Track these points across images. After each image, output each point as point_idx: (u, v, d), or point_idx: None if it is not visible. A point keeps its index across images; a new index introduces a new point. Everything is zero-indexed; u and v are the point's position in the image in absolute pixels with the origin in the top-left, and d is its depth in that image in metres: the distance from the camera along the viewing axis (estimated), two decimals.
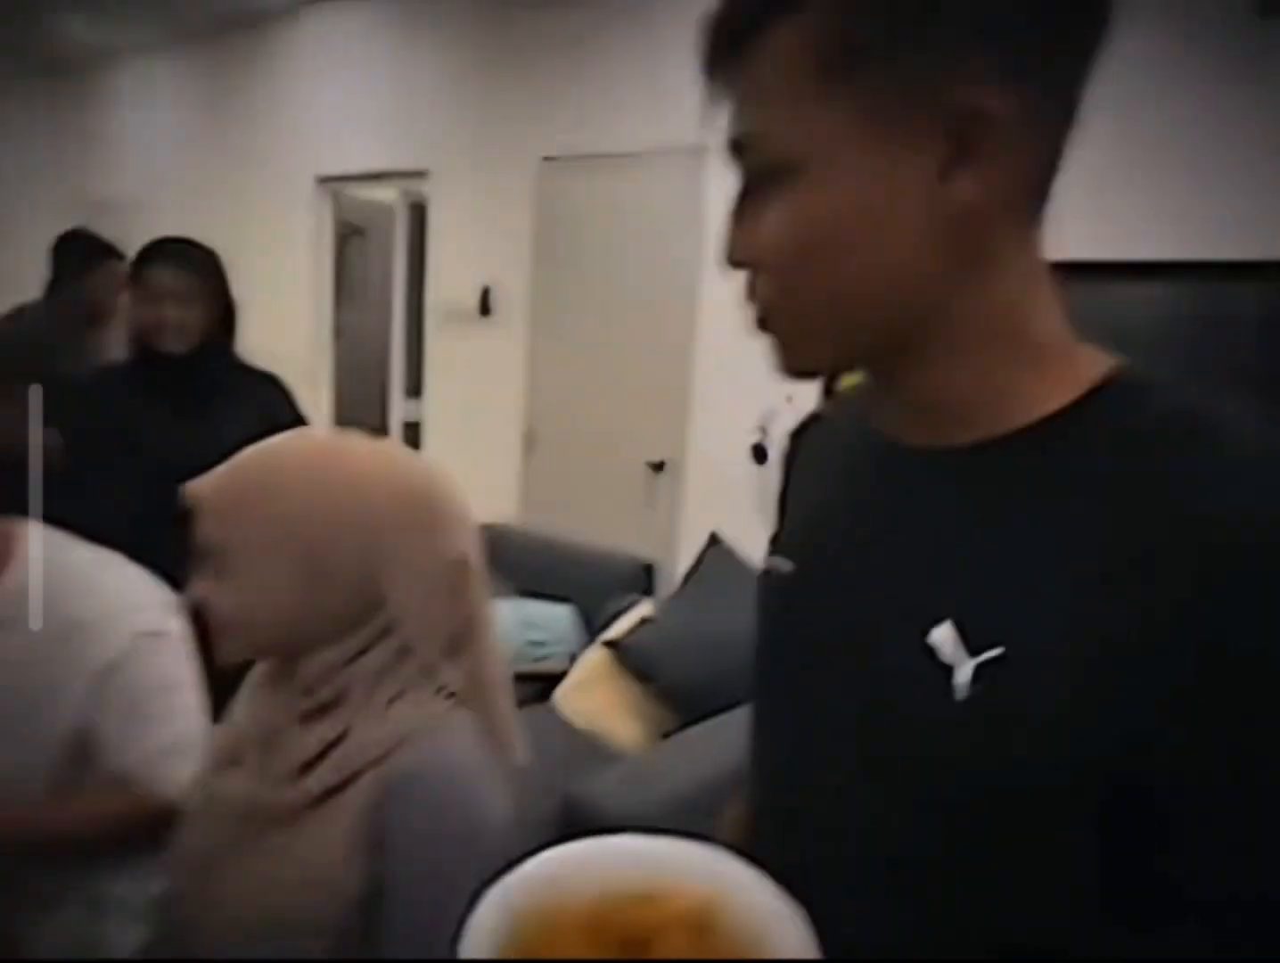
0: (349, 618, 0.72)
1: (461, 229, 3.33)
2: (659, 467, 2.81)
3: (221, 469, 0.73)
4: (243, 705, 0.83)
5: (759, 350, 0.46)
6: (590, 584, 2.50)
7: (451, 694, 0.73)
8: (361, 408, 3.98)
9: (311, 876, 0.68)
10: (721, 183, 0.53)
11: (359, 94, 3.67)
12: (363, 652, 0.73)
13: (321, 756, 0.72)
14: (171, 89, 4.58)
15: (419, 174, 3.44)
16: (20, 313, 2.43)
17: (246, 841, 0.73)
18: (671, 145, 2.58)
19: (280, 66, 4.00)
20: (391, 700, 0.72)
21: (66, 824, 0.95)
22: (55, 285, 2.45)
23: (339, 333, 4.04)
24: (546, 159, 3.00)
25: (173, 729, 0.96)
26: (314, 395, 3.98)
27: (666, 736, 1.88)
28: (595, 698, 2.03)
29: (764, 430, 2.50)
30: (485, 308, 3.20)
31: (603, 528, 2.79)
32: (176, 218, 4.47)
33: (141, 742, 0.95)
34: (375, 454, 0.75)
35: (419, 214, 3.58)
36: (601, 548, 2.64)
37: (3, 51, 4.70)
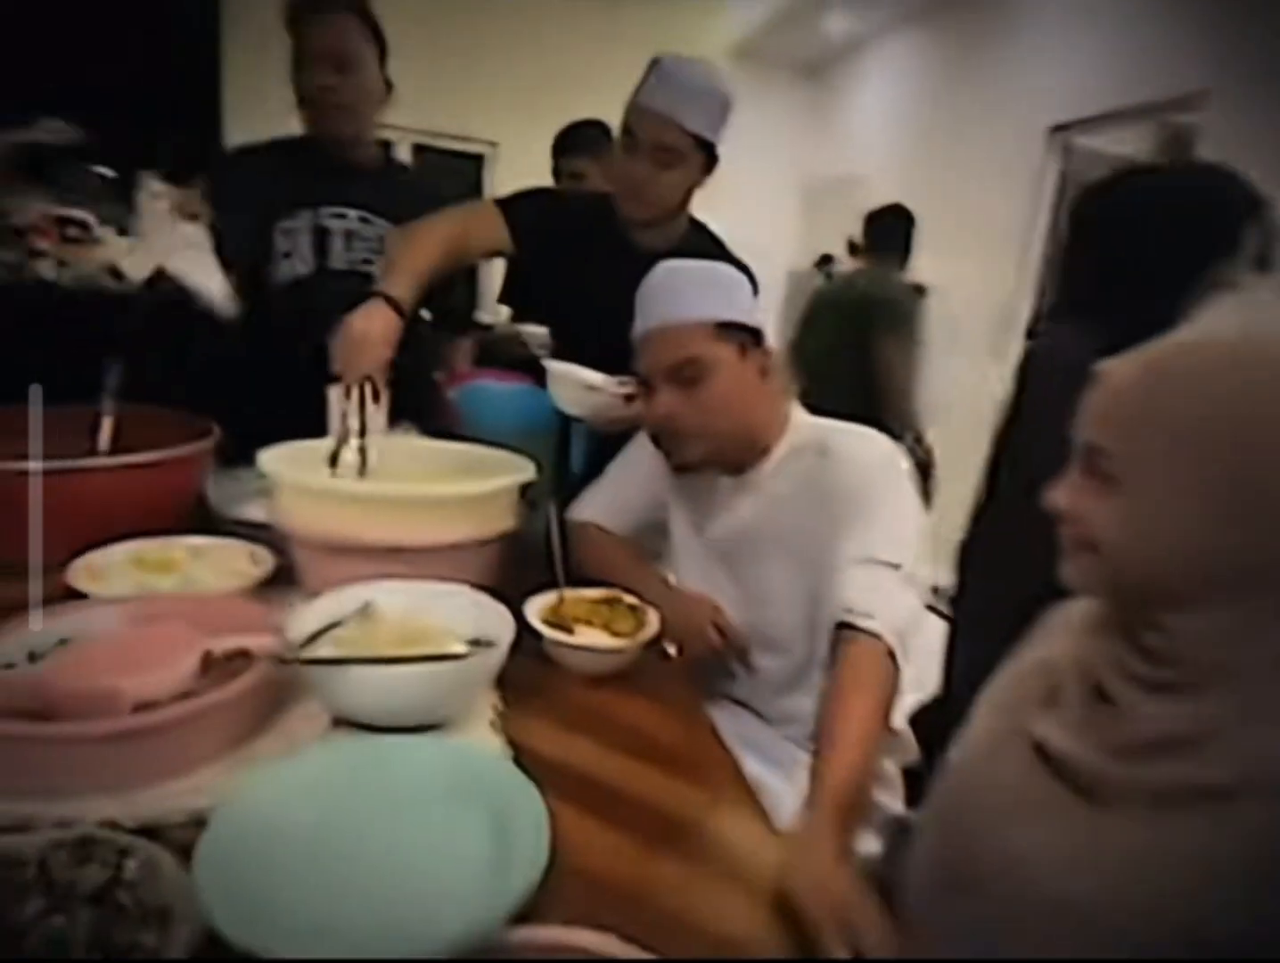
0: (1256, 577, 0.52)
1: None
2: None
3: (1129, 359, 0.59)
4: (1058, 638, 0.71)
5: None
6: None
7: None
8: None
9: (1147, 885, 0.52)
10: None
11: (1101, 26, 3.24)
12: (1262, 629, 0.52)
13: (1171, 746, 0.55)
14: (899, 67, 4.83)
15: (1185, 100, 2.87)
16: None
17: (1052, 804, 0.60)
18: None
19: (1009, 16, 3.81)
20: None
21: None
22: None
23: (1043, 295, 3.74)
24: None
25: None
26: (1003, 356, 3.82)
27: None
28: None
29: None
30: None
31: None
32: (902, 190, 4.77)
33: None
34: None
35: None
36: None
37: (772, 59, 5.59)
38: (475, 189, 5.11)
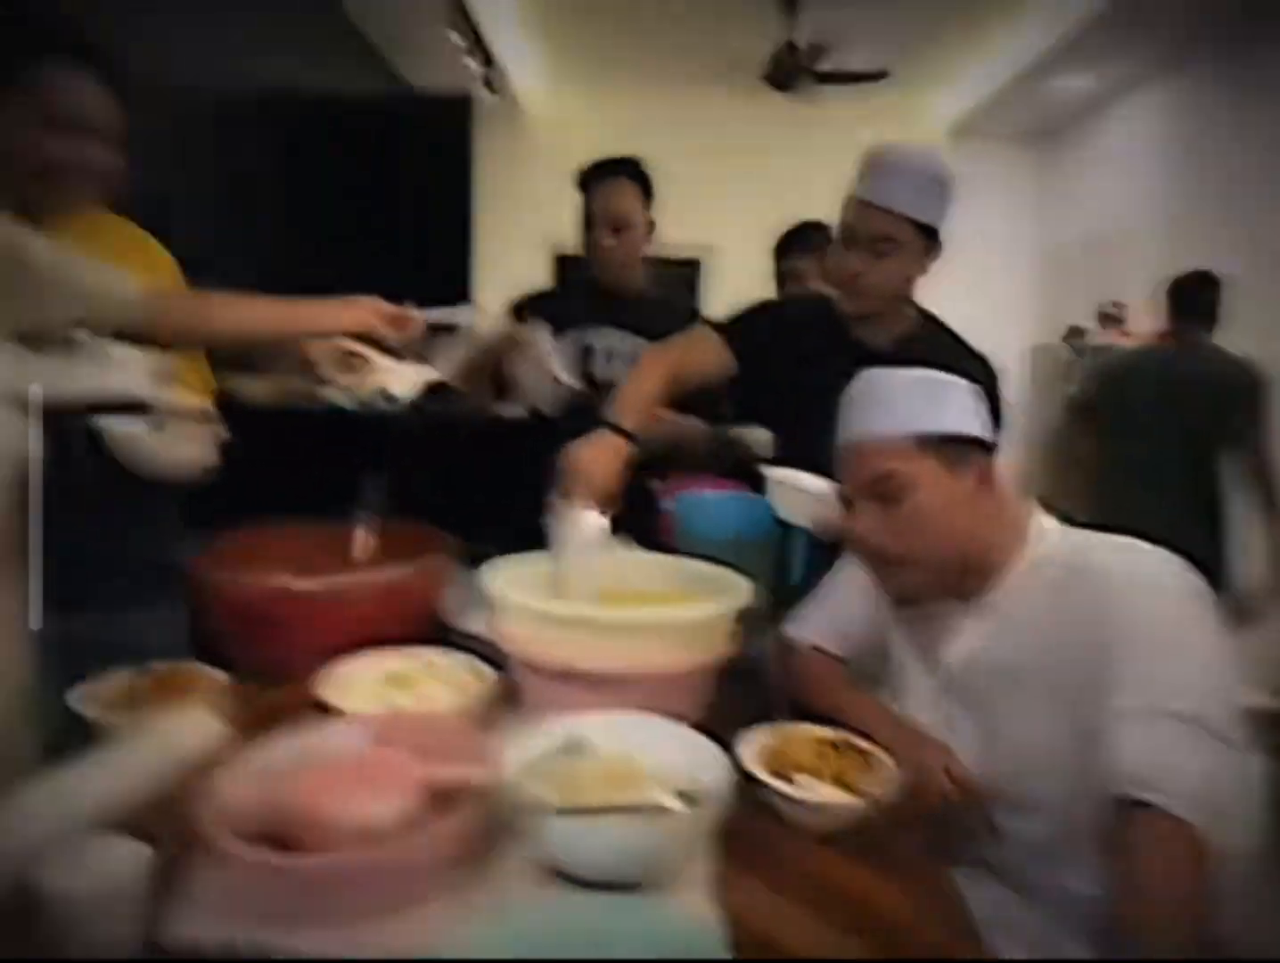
0: None
1: None
2: None
3: None
4: None
5: None
6: None
7: None
8: None
9: None
10: None
11: None
12: None
13: None
14: (1149, 121, 4.40)
15: None
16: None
17: None
18: None
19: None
20: None
21: None
22: None
23: None
24: None
25: None
26: None
27: None
28: None
29: None
30: None
31: None
32: (1161, 247, 4.28)
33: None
34: None
35: None
36: None
37: (996, 130, 5.34)
38: (692, 292, 5.32)
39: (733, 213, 5.02)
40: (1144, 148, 4.46)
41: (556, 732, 0.84)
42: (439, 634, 1.21)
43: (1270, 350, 3.46)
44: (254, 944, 0.63)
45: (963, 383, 0.96)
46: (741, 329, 1.42)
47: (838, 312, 1.34)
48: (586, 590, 1.09)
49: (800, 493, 1.22)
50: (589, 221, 1.76)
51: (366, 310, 1.14)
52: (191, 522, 1.44)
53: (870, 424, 0.94)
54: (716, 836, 0.77)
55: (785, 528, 1.32)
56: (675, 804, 0.71)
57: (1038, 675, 0.88)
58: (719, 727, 0.92)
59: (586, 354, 1.78)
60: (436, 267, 3.08)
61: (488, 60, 3.79)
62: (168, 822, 0.74)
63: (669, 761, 0.80)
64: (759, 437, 2.11)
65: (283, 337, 1.17)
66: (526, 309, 1.80)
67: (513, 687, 1.02)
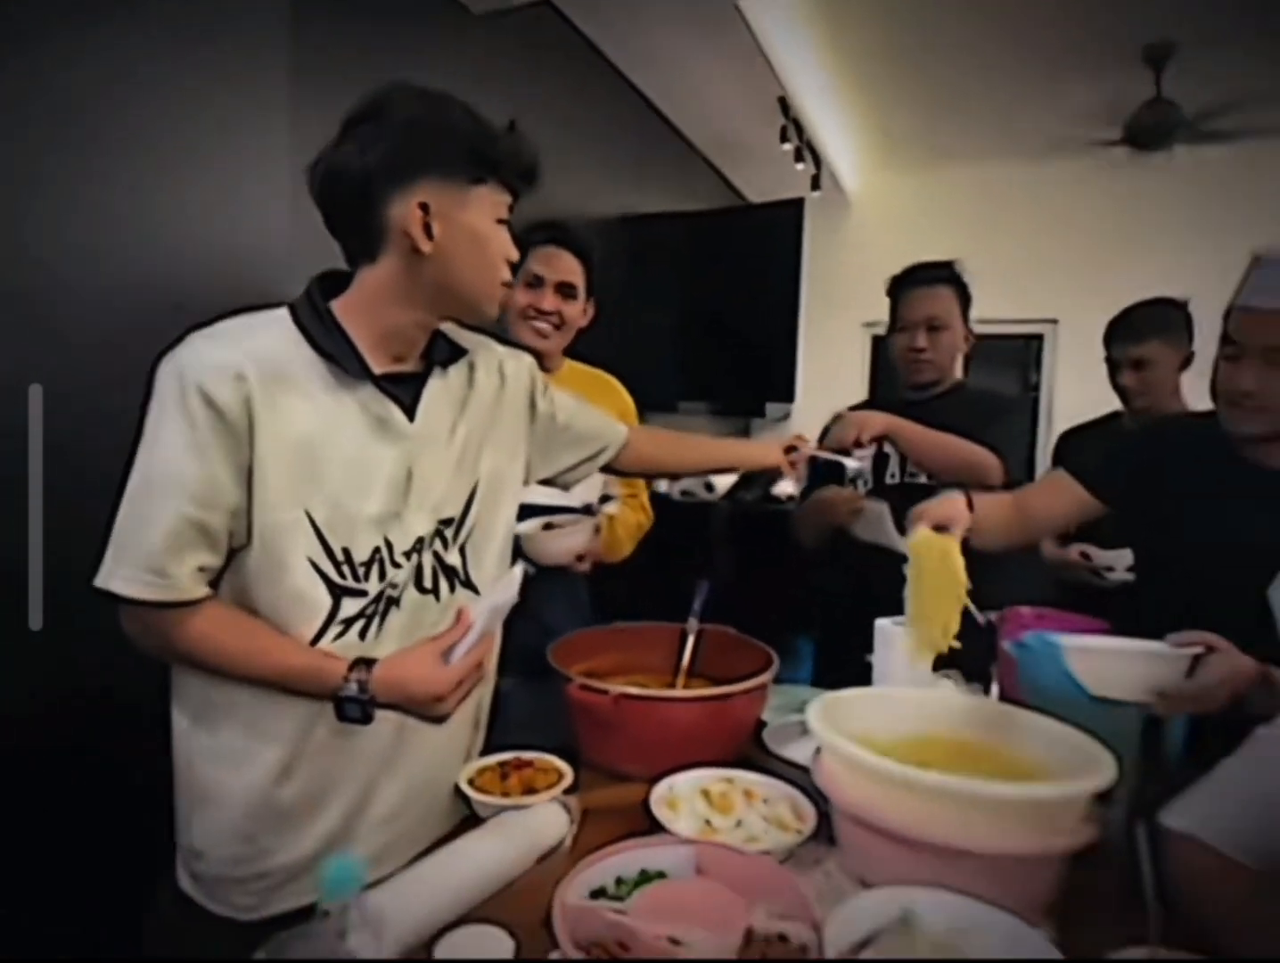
0: None
1: None
2: None
3: None
4: None
5: None
6: None
7: None
8: None
9: None
10: None
11: None
12: None
13: None
14: None
15: None
16: None
17: None
18: None
19: None
20: None
21: None
22: None
23: None
24: None
25: None
26: None
27: None
28: None
29: None
30: None
31: None
32: None
33: None
34: None
35: None
36: None
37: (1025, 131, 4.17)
38: (1035, 367, 4.90)
39: (1079, 289, 4.56)
40: None
41: (886, 902, 0.80)
42: (755, 756, 1.23)
43: None
44: None
45: None
46: (1108, 472, 1.35)
47: (1227, 431, 1.18)
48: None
49: (1121, 659, 1.04)
50: (896, 323, 1.79)
51: (778, 451, 1.41)
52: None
53: None
54: None
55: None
56: None
57: None
58: (1065, 924, 0.83)
59: (881, 460, 1.77)
60: (770, 357, 3.23)
61: (817, 161, 3.94)
62: (515, 911, 0.84)
63: (990, 951, 0.73)
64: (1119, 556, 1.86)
65: (721, 471, 1.50)
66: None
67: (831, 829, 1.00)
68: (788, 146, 3.59)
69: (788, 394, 3.17)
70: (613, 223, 3.16)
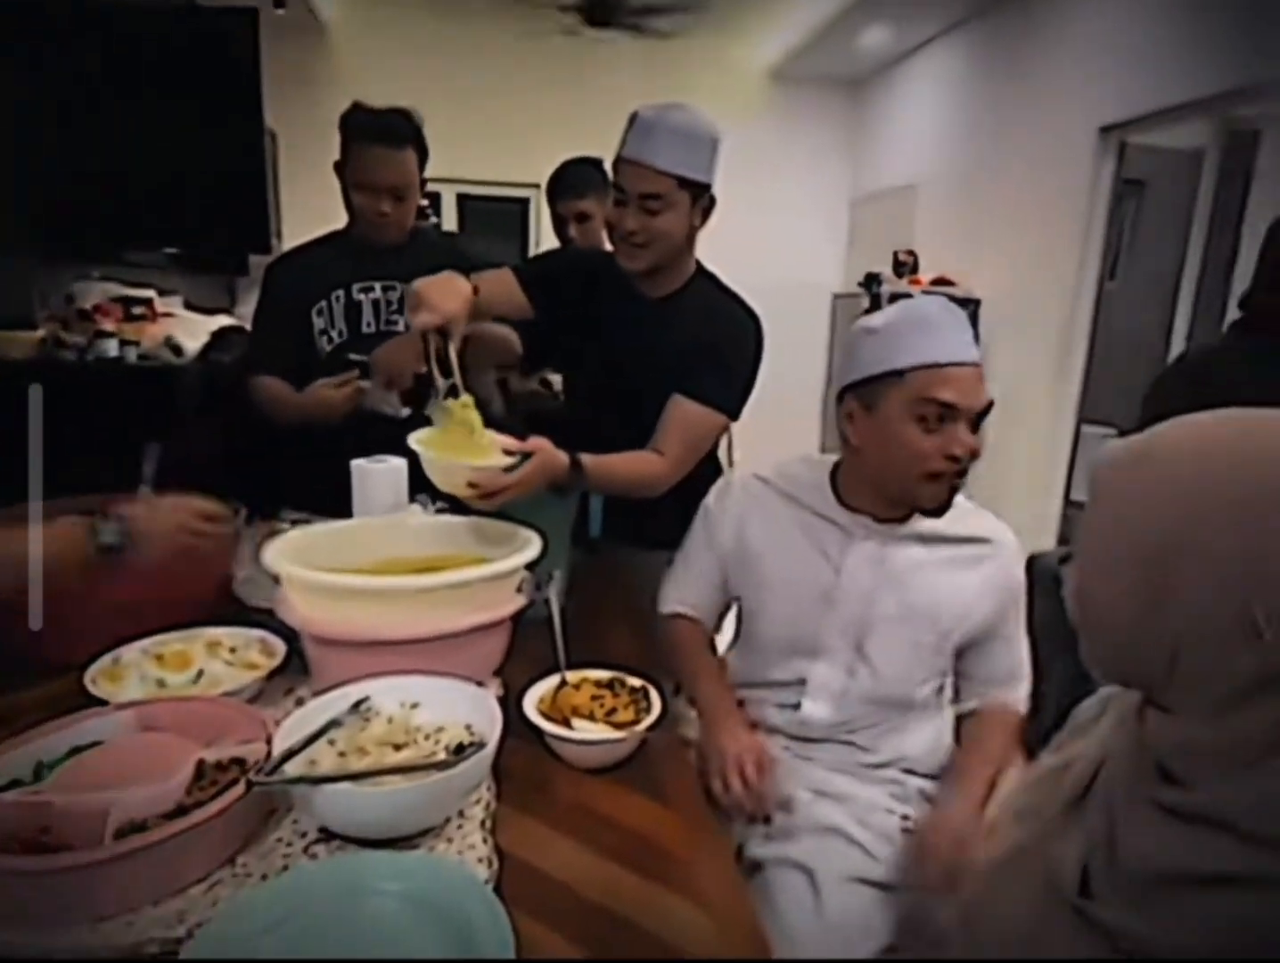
0: (1220, 691, 0.47)
1: None
2: None
3: (1117, 444, 0.55)
4: (1100, 727, 0.65)
5: None
6: None
7: None
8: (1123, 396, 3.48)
9: None
10: None
11: (1149, 22, 3.11)
12: (1260, 757, 0.46)
13: (1197, 882, 0.49)
14: (943, 76, 4.72)
15: (1247, 92, 2.70)
16: None
17: (1066, 937, 0.55)
18: None
19: (1054, 20, 3.68)
20: None
21: None
22: None
23: (1100, 302, 3.57)
24: None
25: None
26: (1062, 369, 3.65)
27: None
28: None
29: None
30: None
31: None
32: (941, 198, 4.64)
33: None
34: None
35: (1244, 151, 2.83)
36: None
37: (811, 78, 5.55)
38: (522, 233, 5.21)
39: (561, 150, 4.92)
40: (940, 101, 4.78)
41: (340, 699, 0.86)
42: (233, 612, 1.17)
43: (1010, 281, 3.91)
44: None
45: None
46: (538, 277, 1.46)
47: (619, 266, 1.38)
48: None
49: (455, 468, 1.14)
50: (359, 185, 1.61)
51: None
52: None
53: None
54: (500, 779, 0.83)
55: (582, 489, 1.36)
56: (445, 756, 0.76)
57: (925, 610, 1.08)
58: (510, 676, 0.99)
59: (357, 311, 1.69)
60: (237, 200, 2.81)
61: None
62: None
63: (450, 714, 0.84)
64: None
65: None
66: (279, 267, 1.72)
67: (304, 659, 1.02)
68: None
69: (264, 245, 2.85)
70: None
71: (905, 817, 1.04)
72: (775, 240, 5.47)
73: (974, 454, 1.01)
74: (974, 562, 1.08)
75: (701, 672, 1.17)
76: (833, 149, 5.78)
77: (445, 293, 1.20)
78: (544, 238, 5.11)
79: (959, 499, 1.08)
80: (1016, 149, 4.00)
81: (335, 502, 1.29)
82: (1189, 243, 3.14)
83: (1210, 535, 0.47)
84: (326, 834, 0.75)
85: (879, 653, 1.08)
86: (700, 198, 1.32)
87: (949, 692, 1.17)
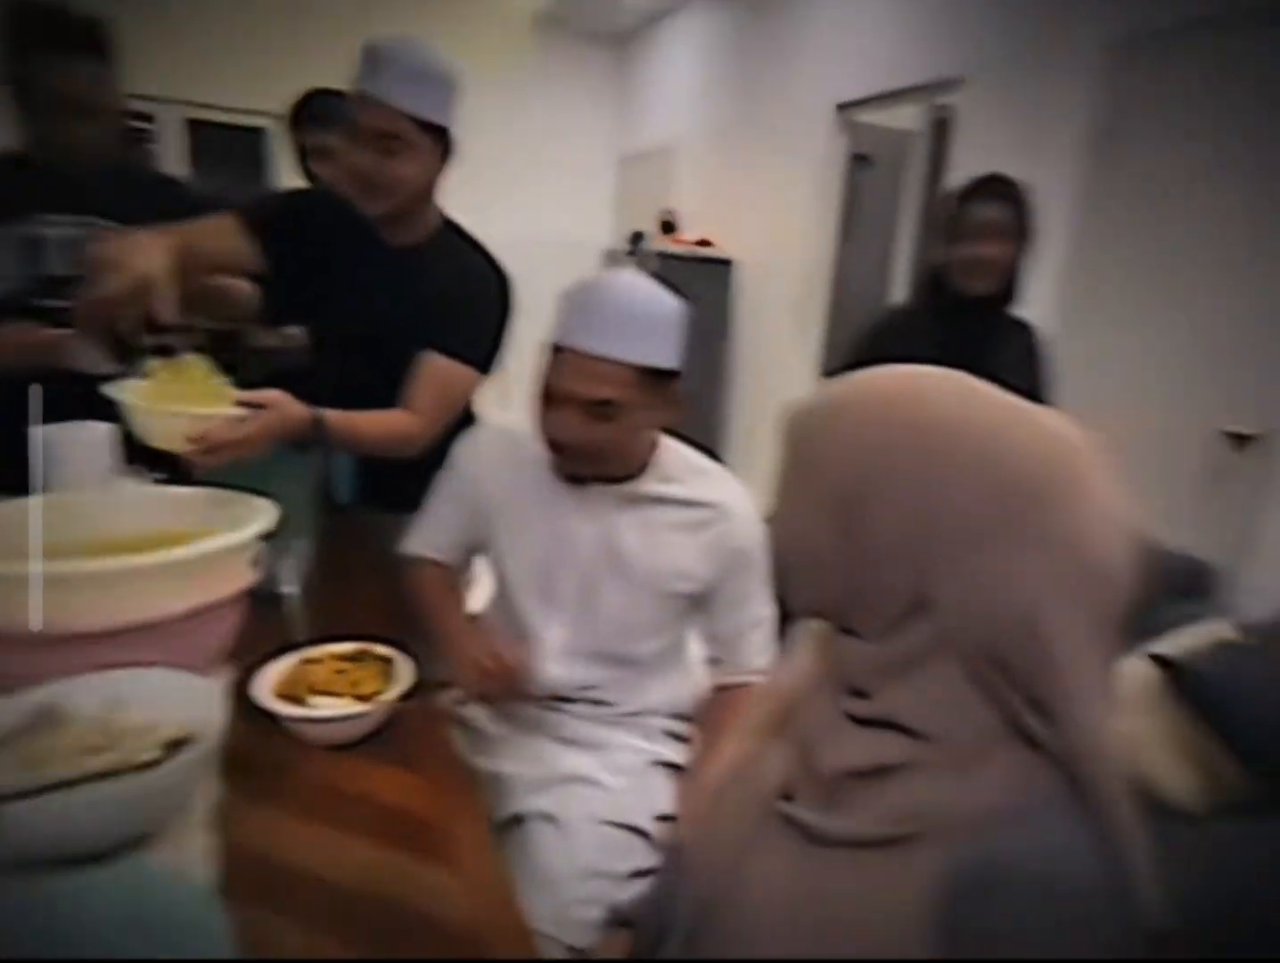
0: (890, 613, 0.54)
1: (992, 144, 2.89)
2: (1241, 440, 2.12)
3: (811, 395, 0.60)
4: (803, 655, 0.72)
5: None
6: None
7: (1048, 764, 0.52)
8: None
9: (858, 925, 0.54)
10: None
11: (877, 12, 3.43)
12: (918, 665, 0.54)
13: (874, 774, 0.56)
14: (702, 38, 4.88)
15: (949, 84, 3.07)
16: None
17: (780, 841, 0.61)
18: None
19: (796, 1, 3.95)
20: (974, 750, 0.53)
21: None
22: None
23: (840, 266, 3.94)
24: (1108, 46, 2.40)
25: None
26: (806, 328, 3.99)
27: (1239, 807, 1.38)
28: (1133, 724, 1.60)
29: None
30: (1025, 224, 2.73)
31: (1141, 506, 2.23)
32: (700, 160, 4.83)
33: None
34: (971, 400, 0.54)
35: (943, 135, 3.22)
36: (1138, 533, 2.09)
37: (578, 28, 5.49)
38: (257, 165, 4.69)
39: (306, 79, 4.47)
40: (696, 65, 4.93)
41: (23, 705, 0.73)
42: None
43: (759, 245, 4.20)
44: None
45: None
46: (265, 222, 1.30)
47: (358, 211, 1.27)
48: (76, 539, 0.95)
49: (170, 419, 1.03)
50: (34, 103, 1.35)
51: None
52: None
53: (599, 346, 0.96)
54: (236, 770, 0.76)
55: (326, 448, 1.27)
56: (156, 754, 0.68)
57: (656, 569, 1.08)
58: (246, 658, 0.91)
59: (36, 248, 1.42)
60: None
61: None
62: None
63: (161, 713, 0.76)
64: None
65: None
66: None
67: None
68: None
69: None
70: None
71: (646, 753, 1.09)
72: (545, 196, 5.40)
73: (591, 444, 0.99)
74: (698, 526, 1.08)
75: (443, 609, 1.16)
76: (601, 105, 5.78)
77: (133, 251, 1.04)
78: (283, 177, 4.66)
79: (704, 463, 1.12)
80: (767, 117, 4.24)
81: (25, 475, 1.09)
82: (901, 212, 3.53)
83: (891, 483, 0.53)
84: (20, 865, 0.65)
85: (605, 612, 1.08)
86: (442, 143, 1.25)
87: (697, 646, 1.21)
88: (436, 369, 1.26)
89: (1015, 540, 0.50)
